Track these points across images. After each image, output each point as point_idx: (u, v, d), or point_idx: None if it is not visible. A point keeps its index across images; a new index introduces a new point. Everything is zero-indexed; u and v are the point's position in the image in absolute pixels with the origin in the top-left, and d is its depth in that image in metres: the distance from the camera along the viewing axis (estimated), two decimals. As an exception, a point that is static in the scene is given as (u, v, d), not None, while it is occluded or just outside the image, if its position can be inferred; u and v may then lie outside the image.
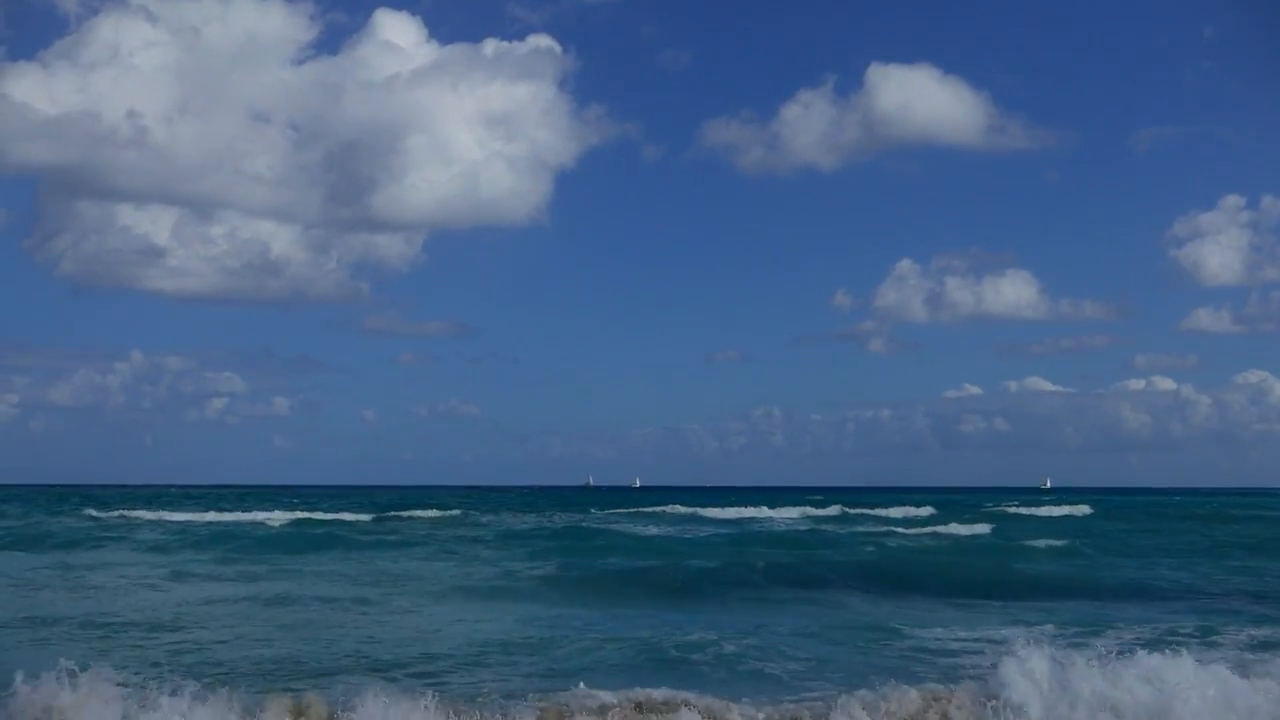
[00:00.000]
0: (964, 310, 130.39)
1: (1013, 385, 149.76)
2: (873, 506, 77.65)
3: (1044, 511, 73.18)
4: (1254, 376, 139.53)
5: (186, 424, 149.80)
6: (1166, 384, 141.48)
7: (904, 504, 76.55)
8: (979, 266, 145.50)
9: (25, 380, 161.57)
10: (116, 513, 61.15)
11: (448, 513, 66.49)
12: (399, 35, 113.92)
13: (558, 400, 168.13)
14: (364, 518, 61.46)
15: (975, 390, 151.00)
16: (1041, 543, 40.52)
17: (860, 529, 52.13)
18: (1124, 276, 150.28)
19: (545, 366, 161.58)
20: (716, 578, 27.79)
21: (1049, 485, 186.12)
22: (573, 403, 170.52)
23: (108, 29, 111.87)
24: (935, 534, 48.10)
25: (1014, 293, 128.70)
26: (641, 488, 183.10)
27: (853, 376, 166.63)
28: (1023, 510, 75.07)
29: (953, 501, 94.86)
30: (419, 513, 65.52)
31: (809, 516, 66.73)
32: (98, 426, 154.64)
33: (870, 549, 38.84)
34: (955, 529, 50.91)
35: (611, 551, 36.98)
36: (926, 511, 68.93)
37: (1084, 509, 74.66)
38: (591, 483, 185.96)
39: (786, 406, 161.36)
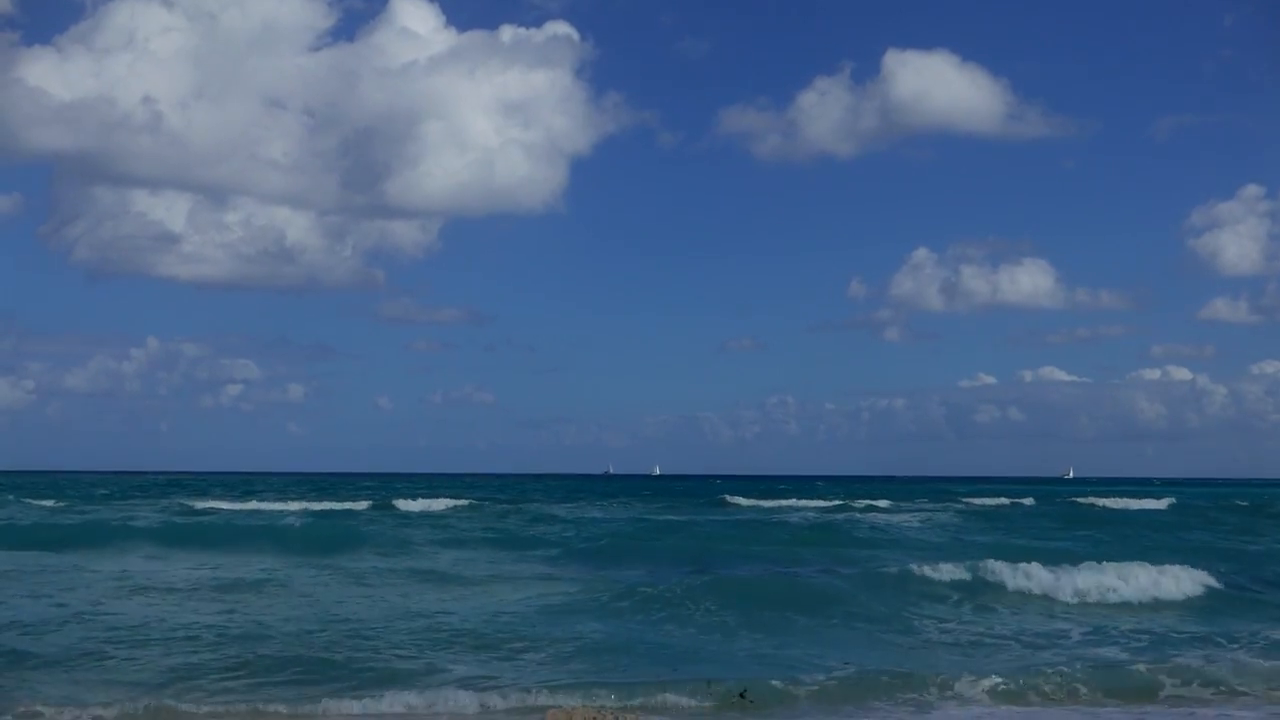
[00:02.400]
0: (980, 299, 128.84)
1: (1028, 375, 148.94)
2: (968, 497, 75.36)
3: (1121, 504, 70.33)
4: (1270, 367, 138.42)
5: (201, 410, 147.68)
6: (1182, 374, 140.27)
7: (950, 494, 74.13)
8: (995, 255, 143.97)
9: (41, 366, 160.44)
10: (208, 503, 57.89)
11: (511, 505, 63.84)
12: (417, 22, 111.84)
13: (572, 388, 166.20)
14: (436, 505, 59.58)
15: (990, 380, 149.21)
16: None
17: (985, 523, 49.22)
18: (1141, 266, 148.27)
19: (560, 354, 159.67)
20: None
21: (1072, 475, 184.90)
22: (587, 390, 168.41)
23: (123, 14, 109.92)
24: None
25: (1030, 282, 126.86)
26: (661, 475, 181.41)
27: (867, 365, 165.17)
28: (1104, 503, 71.98)
29: (1033, 491, 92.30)
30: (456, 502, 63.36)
31: (895, 507, 63.99)
32: (113, 413, 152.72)
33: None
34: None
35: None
36: (1029, 501, 66.37)
37: (1168, 501, 72.22)
38: (611, 470, 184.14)
39: (801, 395, 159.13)
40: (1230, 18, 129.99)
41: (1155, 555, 28.87)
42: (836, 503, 68.70)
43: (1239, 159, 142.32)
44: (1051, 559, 25.99)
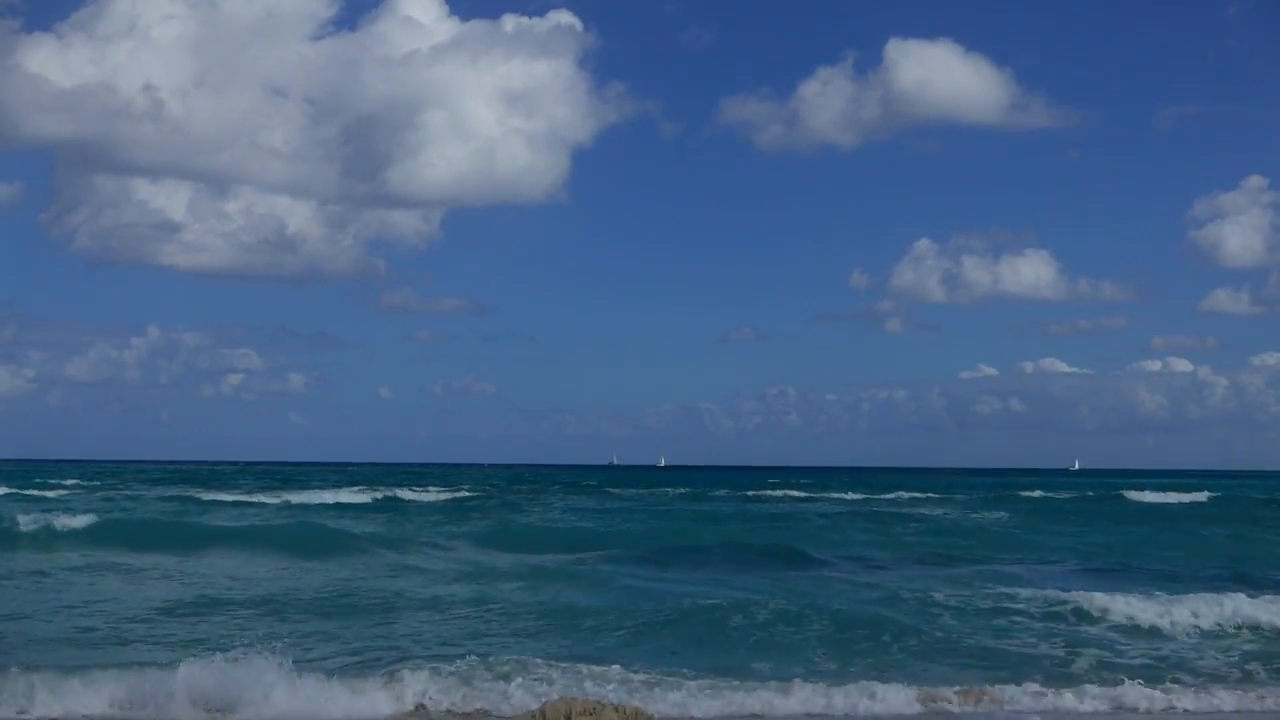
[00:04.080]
0: (981, 290, 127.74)
1: (1029, 366, 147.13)
2: (1025, 490, 73.99)
3: (1159, 499, 68.54)
4: (1271, 358, 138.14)
5: (202, 400, 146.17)
6: (1183, 365, 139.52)
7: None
8: (997, 246, 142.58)
9: (41, 355, 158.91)
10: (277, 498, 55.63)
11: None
12: (419, 10, 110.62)
13: (573, 379, 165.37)
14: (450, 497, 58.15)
15: (991, 371, 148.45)
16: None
17: (1057, 521, 47.29)
18: (1143, 257, 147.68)
19: (561, 345, 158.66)
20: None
21: (1077, 466, 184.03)
22: (588, 381, 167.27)
23: (125, 1, 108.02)
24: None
25: (1032, 273, 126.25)
26: (667, 466, 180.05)
27: (868, 356, 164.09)
28: (1149, 498, 69.80)
29: (1040, 483, 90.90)
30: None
31: (947, 500, 62.23)
32: (113, 402, 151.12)
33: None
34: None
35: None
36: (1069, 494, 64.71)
37: (1203, 495, 70.71)
38: (615, 461, 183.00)
39: (802, 386, 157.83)
40: (1233, 8, 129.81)
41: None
42: (882, 495, 66.87)
43: (1242, 150, 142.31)
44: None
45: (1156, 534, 40.00)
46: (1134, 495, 69.15)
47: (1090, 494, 70.81)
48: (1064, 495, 69.55)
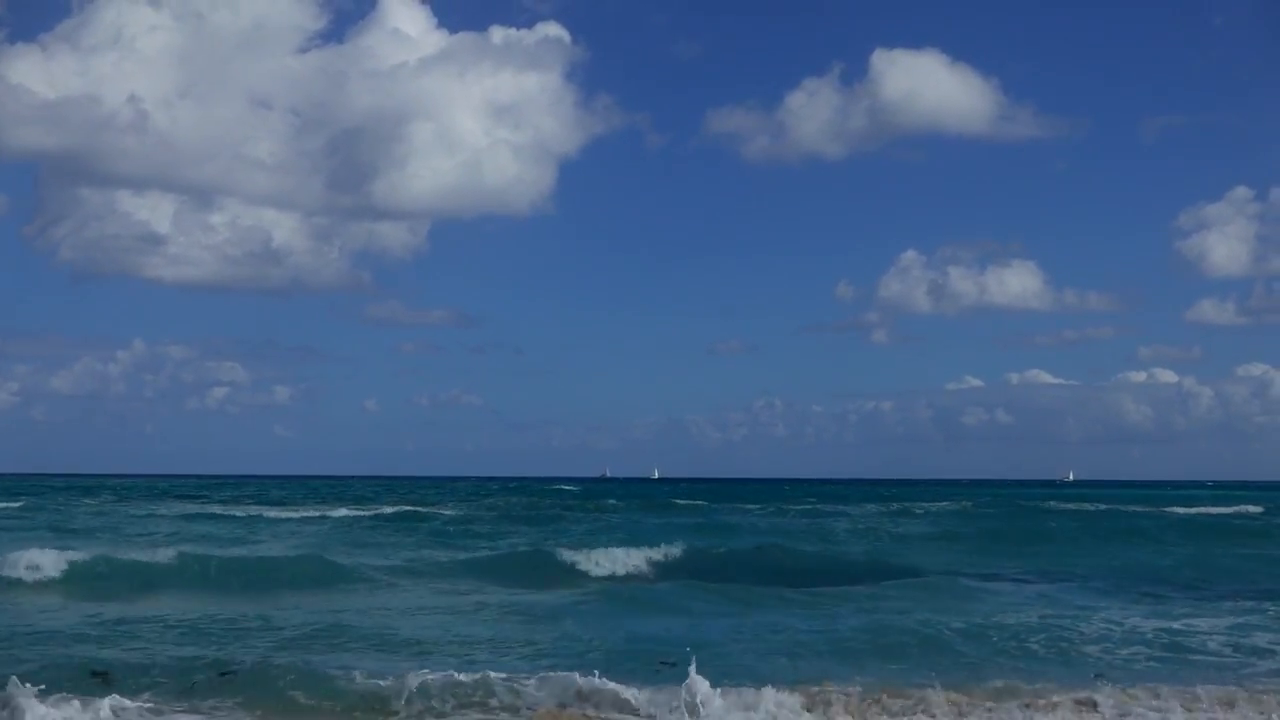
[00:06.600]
0: (968, 301, 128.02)
1: (1014, 378, 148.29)
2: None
3: (1209, 509, 66.37)
4: (1256, 369, 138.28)
5: (187, 413, 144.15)
6: (1168, 376, 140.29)
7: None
8: (984, 257, 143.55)
9: (26, 369, 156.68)
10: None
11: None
12: (407, 23, 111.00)
13: (560, 390, 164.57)
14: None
15: (977, 383, 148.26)
16: None
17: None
18: (1129, 267, 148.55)
19: (548, 356, 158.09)
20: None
21: (1072, 478, 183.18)
22: (575, 393, 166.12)
23: (110, 12, 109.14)
24: None
25: (1018, 283, 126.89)
26: (661, 479, 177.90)
27: (855, 368, 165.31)
28: (1187, 509, 67.63)
29: (1033, 494, 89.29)
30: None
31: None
32: (98, 415, 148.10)
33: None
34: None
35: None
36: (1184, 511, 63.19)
37: (1254, 507, 68.80)
38: (608, 474, 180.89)
39: (788, 397, 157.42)
40: (1220, 19, 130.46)
41: None
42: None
43: (1228, 161, 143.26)
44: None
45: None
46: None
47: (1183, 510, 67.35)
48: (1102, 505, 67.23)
